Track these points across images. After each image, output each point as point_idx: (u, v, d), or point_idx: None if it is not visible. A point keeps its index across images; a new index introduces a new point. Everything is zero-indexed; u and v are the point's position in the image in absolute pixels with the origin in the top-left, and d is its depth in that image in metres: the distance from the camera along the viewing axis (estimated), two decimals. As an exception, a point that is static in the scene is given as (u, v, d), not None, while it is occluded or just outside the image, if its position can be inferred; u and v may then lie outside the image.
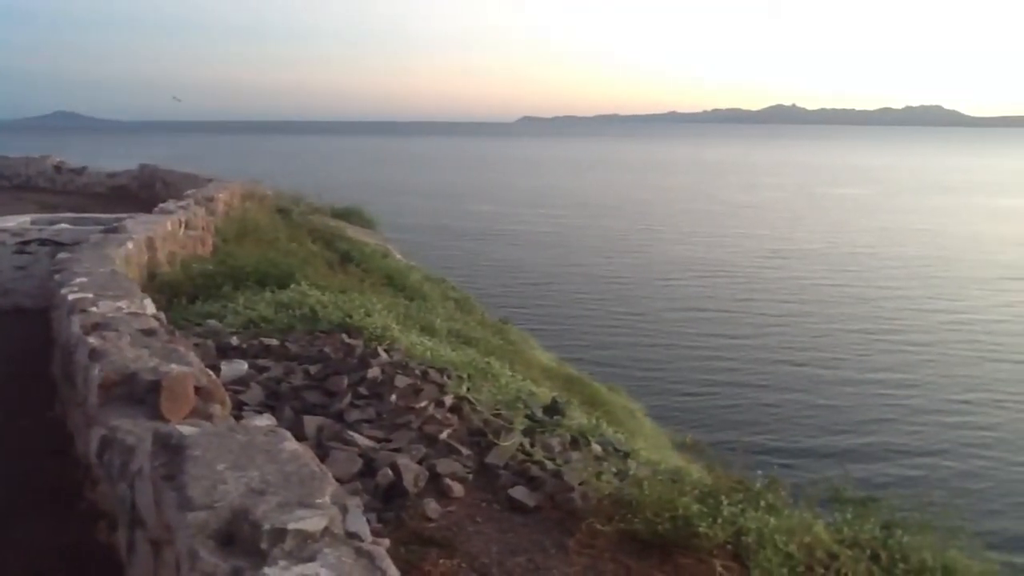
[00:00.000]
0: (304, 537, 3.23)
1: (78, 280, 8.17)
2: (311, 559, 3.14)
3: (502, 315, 26.25)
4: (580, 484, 6.45)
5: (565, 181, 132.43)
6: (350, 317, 10.44)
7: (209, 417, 4.58)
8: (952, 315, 43.20)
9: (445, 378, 8.39)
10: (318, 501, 3.73)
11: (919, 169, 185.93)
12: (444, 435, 7.13)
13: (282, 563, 3.07)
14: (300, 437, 6.84)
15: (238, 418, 4.93)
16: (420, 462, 6.70)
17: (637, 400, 23.19)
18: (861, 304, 45.71)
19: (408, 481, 6.33)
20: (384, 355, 8.80)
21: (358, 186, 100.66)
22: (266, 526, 3.21)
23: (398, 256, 21.99)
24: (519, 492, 6.40)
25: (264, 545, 3.15)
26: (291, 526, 3.26)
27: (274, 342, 9.43)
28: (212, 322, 10.31)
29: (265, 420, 5.03)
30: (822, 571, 5.64)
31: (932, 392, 31.01)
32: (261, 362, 8.81)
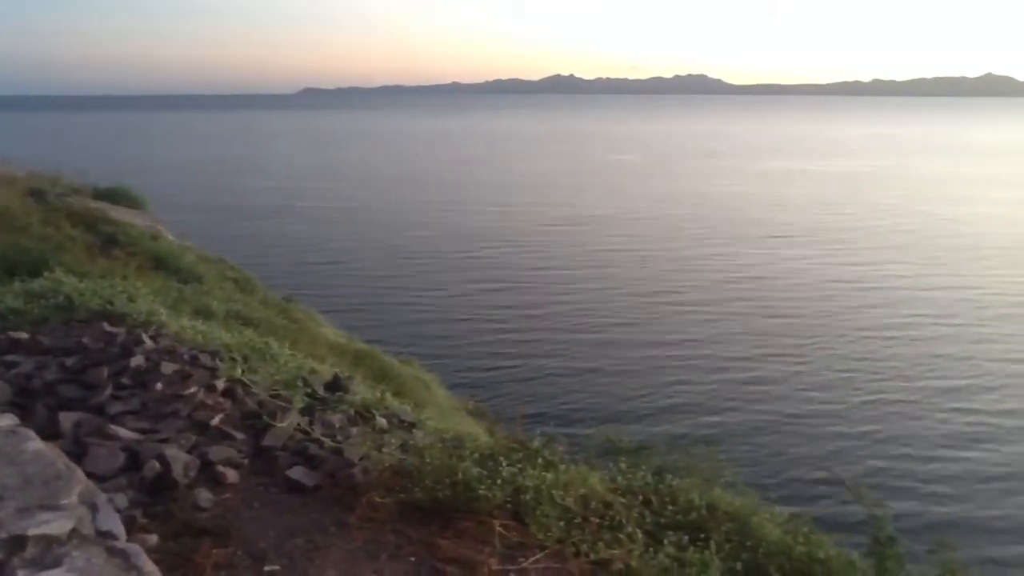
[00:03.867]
0: (48, 542, 3.06)
1: None
2: (56, 564, 2.97)
3: (289, 293, 25.56)
4: (361, 459, 6.36)
5: (351, 154, 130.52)
6: (111, 304, 9.74)
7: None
8: (725, 274, 46.43)
9: (217, 361, 8.01)
10: (63, 502, 3.48)
11: (688, 135, 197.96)
12: (216, 421, 6.80)
13: (22, 573, 2.90)
14: (55, 435, 6.33)
15: (-24, 421, 4.47)
16: (191, 451, 6.36)
17: (432, 371, 23.35)
18: (643, 267, 48.24)
19: (177, 472, 5.99)
20: (149, 342, 8.27)
21: (126, 164, 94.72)
22: (2, 535, 2.98)
23: (170, 237, 20.81)
24: (297, 472, 6.22)
25: (1, 555, 2.94)
26: (32, 531, 3.10)
27: (24, 335, 8.64)
28: (-52, 319, 9.32)
29: (6, 420, 4.59)
30: (597, 520, 5.85)
31: (710, 349, 33.11)
32: (9, 358, 8.07)
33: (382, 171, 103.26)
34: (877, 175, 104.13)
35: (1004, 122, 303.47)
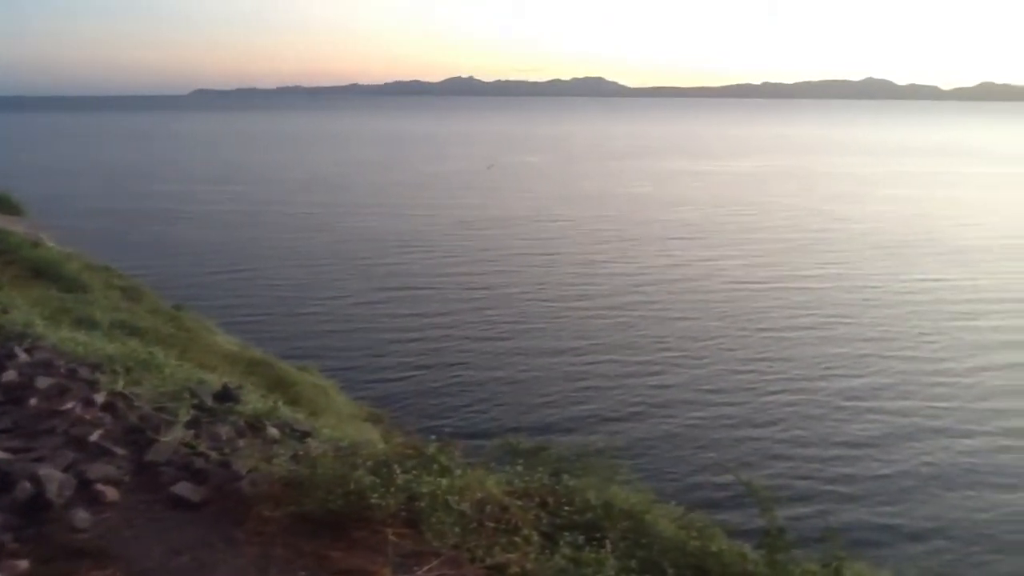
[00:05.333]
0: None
1: None
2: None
3: (182, 301, 24.78)
4: (250, 471, 6.15)
5: (249, 157, 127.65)
6: (-18, 316, 9.23)
7: None
8: (628, 275, 47.12)
9: (97, 374, 7.67)
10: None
11: (588, 136, 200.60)
12: (95, 436, 6.48)
13: None
14: (-85, 460, 5.93)
15: None
16: (67, 469, 6.04)
17: (331, 377, 22.94)
18: (547, 270, 48.51)
19: (51, 492, 5.68)
20: (24, 355, 7.87)
21: (7, 167, 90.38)
22: None
23: (52, 245, 19.89)
24: (183, 488, 5.98)
25: None
26: None
27: None
28: None
29: None
30: (493, 524, 5.80)
31: (614, 352, 33.36)
32: None
33: (280, 174, 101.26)
34: (773, 175, 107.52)
35: (885, 123, 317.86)
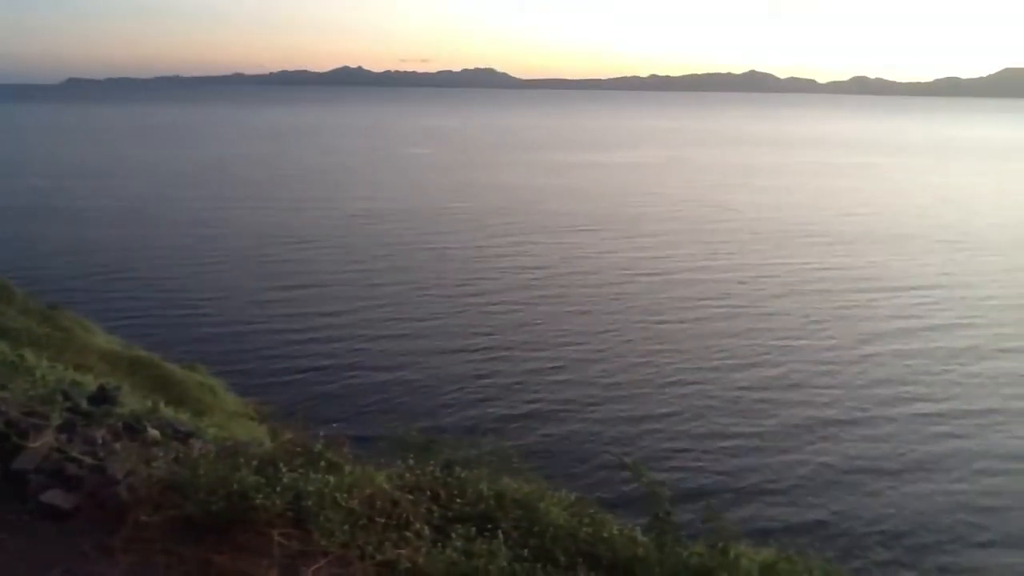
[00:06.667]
0: None
1: None
2: None
3: (56, 301, 23.65)
4: (127, 475, 5.88)
5: (125, 149, 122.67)
6: None
7: None
8: (521, 266, 47.41)
9: (-42, 379, 7.20)
10: None
11: (479, 128, 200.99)
12: (-45, 446, 6.08)
13: None
14: None
15: None
16: (-76, 482, 5.66)
17: (220, 375, 22.31)
18: (441, 262, 48.32)
19: (-94, 507, 5.31)
20: None
21: None
22: None
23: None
24: (53, 496, 5.67)
25: None
26: None
27: None
28: None
29: None
30: (383, 520, 5.71)
31: (509, 341, 33.47)
32: None
33: (159, 168, 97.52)
34: (659, 166, 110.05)
35: (766, 115, 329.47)
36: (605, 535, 6.14)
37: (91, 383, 8.85)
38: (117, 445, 6.50)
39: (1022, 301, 41.22)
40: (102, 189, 77.88)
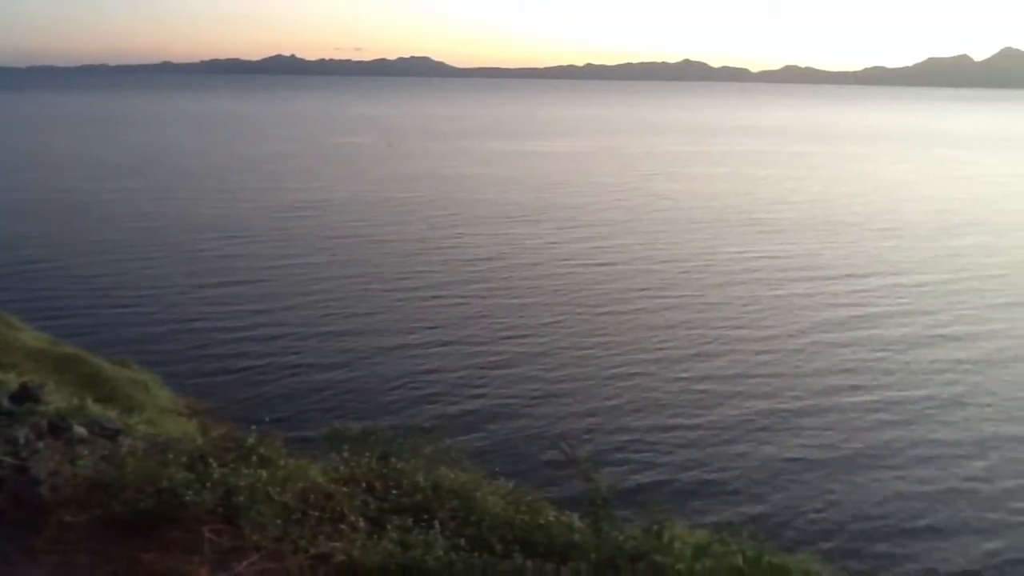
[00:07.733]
0: None
1: None
2: None
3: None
4: (50, 475, 5.74)
5: (47, 140, 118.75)
6: None
7: None
8: (461, 256, 47.24)
9: None
10: None
11: (416, 117, 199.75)
12: None
13: None
14: None
15: None
16: None
17: (153, 371, 21.82)
18: (379, 253, 47.96)
19: None
20: None
21: None
22: None
23: None
24: (-28, 498, 5.50)
25: None
26: None
27: None
28: None
29: None
30: (317, 513, 5.66)
31: (449, 334, 33.26)
32: None
33: (85, 159, 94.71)
34: (597, 155, 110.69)
35: (700, 104, 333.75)
36: (541, 522, 6.19)
37: (14, 381, 8.57)
38: (40, 444, 6.33)
39: (952, 287, 42.44)
40: (25, 180, 75.48)
